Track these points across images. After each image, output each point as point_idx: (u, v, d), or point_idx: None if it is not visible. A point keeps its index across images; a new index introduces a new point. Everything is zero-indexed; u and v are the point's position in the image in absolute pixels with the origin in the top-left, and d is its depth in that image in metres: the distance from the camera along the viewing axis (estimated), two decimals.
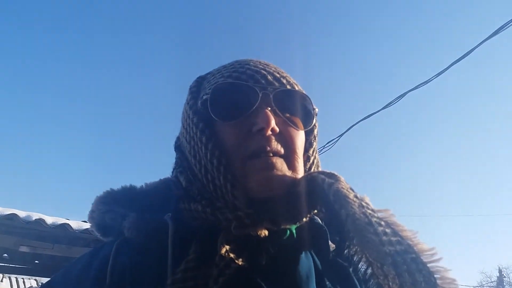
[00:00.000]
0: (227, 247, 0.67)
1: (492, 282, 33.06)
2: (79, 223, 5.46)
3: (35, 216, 5.05)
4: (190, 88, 0.86)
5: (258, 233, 0.69)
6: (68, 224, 5.17)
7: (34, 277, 11.01)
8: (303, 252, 0.74)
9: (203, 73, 0.91)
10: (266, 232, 0.69)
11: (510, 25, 4.29)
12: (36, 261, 6.31)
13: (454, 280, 0.61)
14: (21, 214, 4.99)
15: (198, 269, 0.65)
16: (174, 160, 0.89)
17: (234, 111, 0.76)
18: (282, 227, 0.72)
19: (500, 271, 32.28)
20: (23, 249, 5.25)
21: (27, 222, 4.97)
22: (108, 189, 0.85)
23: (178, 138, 0.90)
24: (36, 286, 9.89)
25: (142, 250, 0.72)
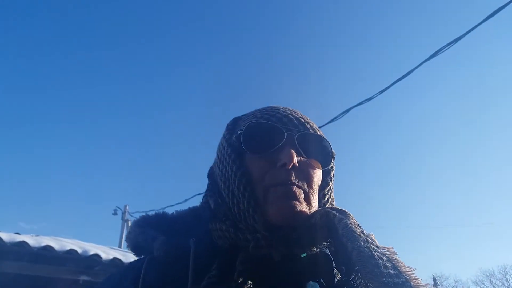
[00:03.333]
0: (245, 265, 0.76)
1: None
2: (11, 235, 5.11)
3: None
4: (227, 126, 0.99)
5: (272, 255, 0.77)
6: None
7: None
8: (310, 277, 0.80)
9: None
10: (279, 255, 0.77)
11: (447, 48, 4.57)
12: None
13: None
14: None
15: (219, 284, 0.74)
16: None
17: (262, 147, 0.87)
18: (294, 253, 0.80)
19: (434, 279, 33.94)
20: None
21: None
22: (144, 214, 0.99)
23: (211, 167, 1.02)
24: None
25: (167, 268, 0.83)
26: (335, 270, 0.83)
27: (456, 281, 37.12)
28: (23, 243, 4.95)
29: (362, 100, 5.53)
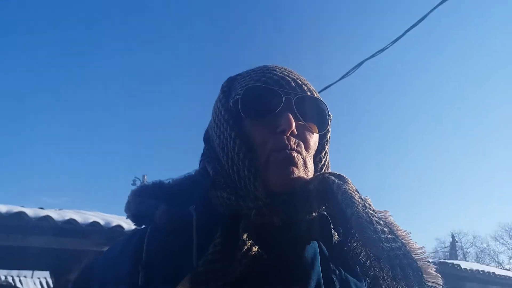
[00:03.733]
0: (248, 233, 0.76)
1: (445, 247, 34.95)
2: (36, 210, 5.22)
3: None
4: (222, 88, 0.97)
5: (274, 222, 0.78)
6: (24, 212, 4.94)
7: None
8: (309, 240, 0.81)
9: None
10: (280, 222, 0.79)
11: None
12: None
13: (438, 276, 0.72)
14: None
15: (223, 251, 0.74)
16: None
17: (261, 112, 0.86)
18: (294, 218, 0.81)
19: (453, 236, 34.14)
20: None
21: None
22: (141, 183, 0.99)
23: (206, 131, 1.00)
24: None
25: (170, 237, 0.82)
26: (333, 231, 0.84)
27: (474, 237, 37.24)
28: (48, 217, 5.05)
29: (374, 51, 5.35)
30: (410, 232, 0.77)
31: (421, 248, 0.75)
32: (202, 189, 0.90)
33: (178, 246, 0.79)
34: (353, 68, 5.52)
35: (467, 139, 59.22)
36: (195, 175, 0.99)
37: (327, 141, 0.96)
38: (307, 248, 0.79)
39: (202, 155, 0.98)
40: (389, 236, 0.74)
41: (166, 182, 1.00)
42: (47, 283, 11.92)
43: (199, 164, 0.98)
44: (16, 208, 5.02)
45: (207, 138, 0.99)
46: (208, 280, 0.71)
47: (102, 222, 5.50)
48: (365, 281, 0.81)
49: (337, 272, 0.81)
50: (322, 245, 0.83)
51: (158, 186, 0.98)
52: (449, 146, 59.65)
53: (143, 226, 0.92)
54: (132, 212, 0.93)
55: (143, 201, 0.91)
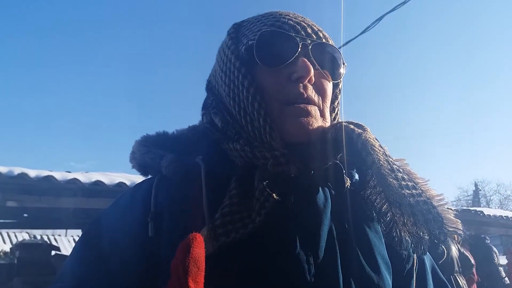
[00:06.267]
0: (264, 182, 0.74)
1: (468, 196, 34.80)
2: (63, 174, 5.40)
3: (17, 170, 4.97)
4: (229, 34, 0.90)
5: (290, 171, 0.76)
6: (52, 176, 5.12)
7: (25, 230, 11.12)
8: (322, 186, 0.81)
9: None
10: (296, 171, 0.77)
11: None
12: (25, 215, 6.33)
13: (458, 221, 0.73)
14: (3, 169, 4.90)
15: (241, 203, 0.73)
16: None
17: (276, 59, 0.81)
18: (310, 168, 0.79)
19: (476, 185, 33.88)
20: (10, 204, 5.23)
21: (10, 177, 4.90)
22: (145, 134, 0.95)
23: (209, 81, 0.96)
24: (28, 238, 9.97)
25: (178, 187, 0.80)
26: (345, 177, 0.83)
27: (498, 185, 36.79)
28: (75, 180, 5.23)
29: (395, 5, 5.19)
30: (428, 180, 0.77)
31: (440, 195, 0.75)
32: (209, 140, 0.87)
33: (187, 196, 0.77)
34: (374, 22, 5.34)
35: (491, 86, 57.52)
36: (200, 126, 0.95)
37: (340, 90, 0.92)
38: (318, 195, 0.78)
39: (205, 106, 0.92)
40: (409, 183, 0.74)
41: (170, 132, 0.97)
42: None
43: (202, 117, 0.93)
44: (45, 172, 5.21)
45: (210, 88, 0.94)
46: (227, 232, 0.69)
47: (128, 183, 5.65)
48: (380, 226, 0.81)
49: (349, 217, 0.80)
50: (332, 189, 0.82)
51: (162, 136, 0.95)
52: (472, 94, 58.12)
53: (149, 176, 0.90)
54: (138, 161, 0.90)
55: (148, 151, 0.88)
